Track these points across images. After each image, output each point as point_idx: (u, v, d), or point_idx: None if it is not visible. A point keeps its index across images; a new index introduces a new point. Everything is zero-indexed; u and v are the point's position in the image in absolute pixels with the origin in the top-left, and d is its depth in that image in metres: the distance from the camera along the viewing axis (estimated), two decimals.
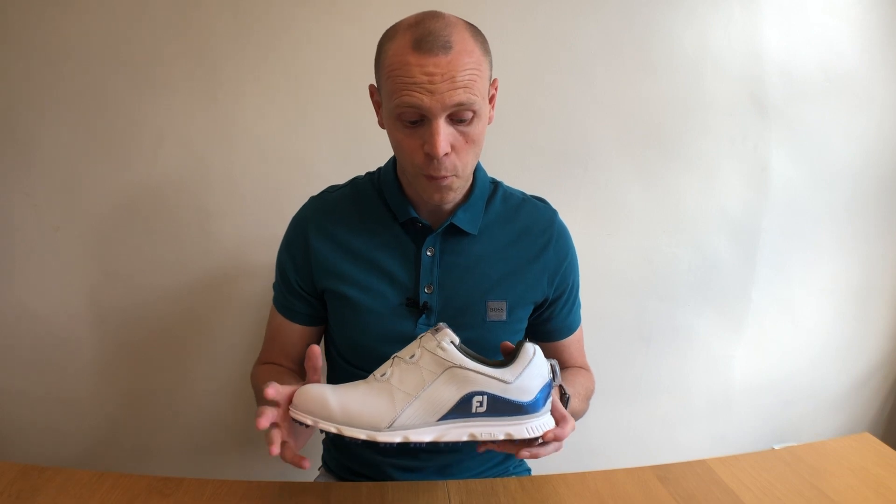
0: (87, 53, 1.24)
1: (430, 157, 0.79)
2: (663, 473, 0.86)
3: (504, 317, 0.91)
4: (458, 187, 0.85)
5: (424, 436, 0.68)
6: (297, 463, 0.69)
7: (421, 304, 0.90)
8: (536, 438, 0.71)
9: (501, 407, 0.69)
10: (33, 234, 1.30)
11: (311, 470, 1.10)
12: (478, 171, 0.94)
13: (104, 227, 1.31)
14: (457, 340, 0.71)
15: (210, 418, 1.41)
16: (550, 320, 0.98)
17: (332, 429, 0.67)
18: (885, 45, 1.46)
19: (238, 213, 1.32)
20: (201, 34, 1.26)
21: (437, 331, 0.71)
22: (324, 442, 1.11)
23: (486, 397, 0.69)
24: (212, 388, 1.39)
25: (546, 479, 0.85)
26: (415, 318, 0.90)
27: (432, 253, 0.91)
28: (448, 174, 0.81)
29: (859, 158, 1.51)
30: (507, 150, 1.36)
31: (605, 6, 1.34)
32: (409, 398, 0.68)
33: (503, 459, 1.03)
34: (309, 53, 1.28)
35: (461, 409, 0.69)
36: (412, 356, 0.70)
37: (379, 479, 0.97)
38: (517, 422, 0.70)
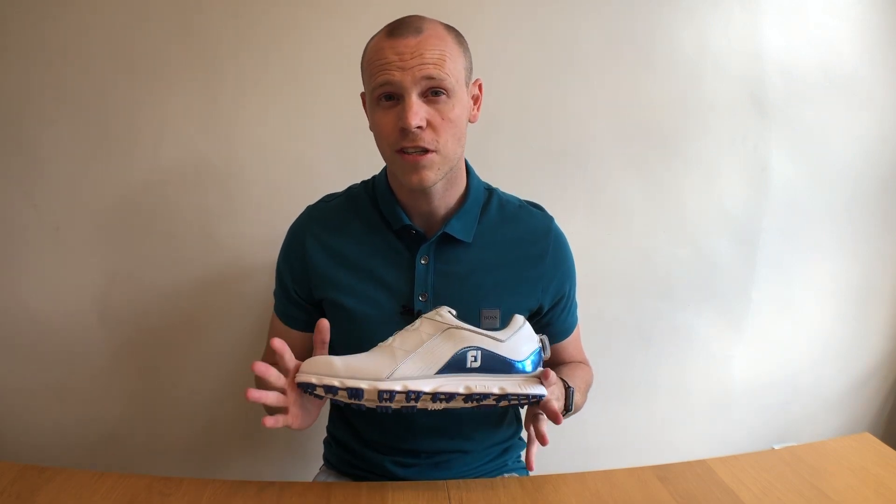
0: (87, 53, 1.24)
1: (405, 130, 0.80)
2: (663, 473, 0.86)
3: (498, 325, 0.91)
4: (438, 168, 0.84)
5: (423, 386, 0.73)
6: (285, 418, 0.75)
7: (416, 311, 0.90)
8: (534, 405, 0.77)
9: (494, 363, 0.74)
10: (34, 233, 1.30)
11: (312, 468, 1.11)
12: (471, 178, 0.95)
13: (105, 226, 1.31)
14: (454, 312, 0.77)
15: (210, 418, 1.41)
16: (549, 325, 0.99)
17: (336, 382, 0.72)
18: (885, 45, 1.46)
19: (239, 212, 1.32)
20: (202, 34, 1.26)
21: (436, 306, 0.78)
22: (325, 441, 1.11)
23: (480, 352, 0.74)
24: (212, 388, 1.39)
25: (546, 479, 0.85)
26: None
27: (426, 261, 0.91)
28: (427, 146, 0.82)
29: (859, 158, 1.51)
30: (507, 150, 1.36)
31: (604, 6, 1.34)
32: (408, 354, 0.74)
33: (501, 454, 1.03)
34: (310, 54, 1.28)
35: (457, 364, 0.74)
36: (413, 325, 0.77)
37: (379, 473, 0.98)
38: (510, 378, 0.75)
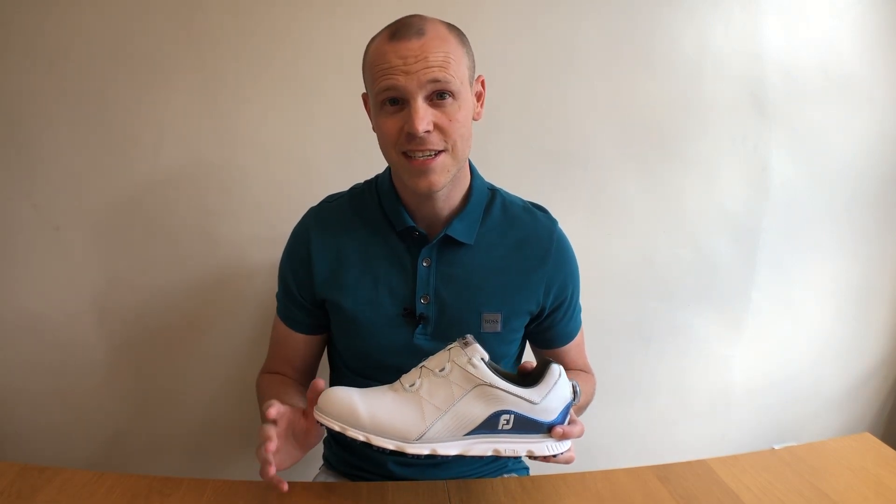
0: (87, 53, 1.24)
1: (412, 135, 0.80)
2: (663, 473, 0.86)
3: (499, 328, 0.92)
4: (447, 171, 0.84)
5: (451, 449, 0.71)
6: (277, 485, 0.73)
7: (417, 314, 0.90)
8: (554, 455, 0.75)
9: (526, 425, 0.72)
10: (33, 233, 1.29)
11: (312, 468, 1.11)
12: (475, 178, 0.94)
13: (105, 226, 1.31)
14: (486, 357, 0.72)
15: (210, 418, 1.41)
16: (551, 329, 0.99)
17: (361, 437, 0.69)
18: (885, 45, 1.46)
19: (239, 213, 1.32)
20: (203, 34, 1.26)
21: (466, 344, 0.72)
22: (325, 441, 1.11)
23: (513, 416, 0.71)
24: (212, 388, 1.39)
25: (546, 479, 0.85)
26: (411, 328, 0.91)
27: (428, 264, 0.91)
28: (436, 147, 0.81)
29: (859, 158, 1.51)
30: (508, 150, 1.36)
31: (605, 6, 1.34)
32: (438, 412, 0.70)
33: None
34: (310, 54, 1.28)
35: (488, 426, 0.71)
36: (442, 369, 0.71)
37: (378, 472, 0.98)
38: (539, 440, 0.73)
